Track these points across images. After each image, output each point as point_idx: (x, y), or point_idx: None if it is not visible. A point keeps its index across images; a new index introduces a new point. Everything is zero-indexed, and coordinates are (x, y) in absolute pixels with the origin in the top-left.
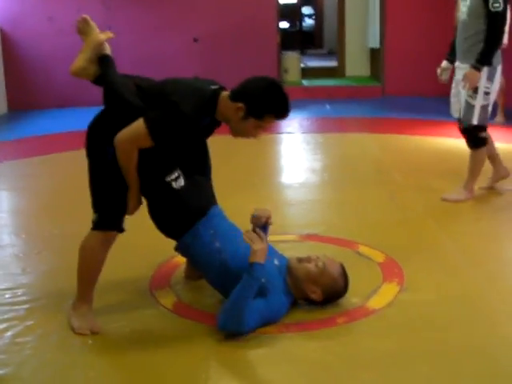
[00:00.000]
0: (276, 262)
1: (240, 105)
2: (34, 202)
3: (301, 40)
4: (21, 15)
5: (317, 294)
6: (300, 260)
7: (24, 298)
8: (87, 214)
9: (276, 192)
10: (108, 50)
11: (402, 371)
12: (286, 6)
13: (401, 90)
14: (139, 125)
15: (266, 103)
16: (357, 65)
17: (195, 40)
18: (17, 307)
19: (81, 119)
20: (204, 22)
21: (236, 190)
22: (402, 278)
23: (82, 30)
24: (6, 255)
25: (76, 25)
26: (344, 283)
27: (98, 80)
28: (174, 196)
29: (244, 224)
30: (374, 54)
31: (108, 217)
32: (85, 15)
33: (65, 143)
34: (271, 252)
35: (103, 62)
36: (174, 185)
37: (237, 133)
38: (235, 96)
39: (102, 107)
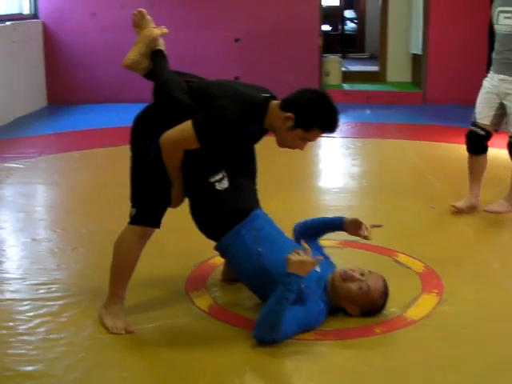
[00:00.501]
0: (318, 268)
1: (289, 114)
2: (71, 196)
3: (342, 43)
4: (64, 11)
5: (354, 311)
6: (344, 279)
7: (58, 293)
8: (124, 211)
9: (315, 196)
10: (162, 45)
11: (436, 383)
12: (328, 8)
13: (442, 98)
14: (187, 127)
15: (315, 116)
16: (398, 70)
17: (237, 40)
18: (51, 303)
19: (121, 115)
20: (246, 22)
21: (275, 193)
22: (442, 289)
23: (138, 22)
24: (42, 250)
25: (132, 17)
26: (383, 303)
27: (149, 74)
28: (217, 197)
29: (284, 228)
30: (416, 60)
31: (146, 212)
32: (141, 9)
33: (104, 139)
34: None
35: (156, 56)
36: (218, 186)
37: (282, 143)
38: (285, 105)
39: (150, 102)
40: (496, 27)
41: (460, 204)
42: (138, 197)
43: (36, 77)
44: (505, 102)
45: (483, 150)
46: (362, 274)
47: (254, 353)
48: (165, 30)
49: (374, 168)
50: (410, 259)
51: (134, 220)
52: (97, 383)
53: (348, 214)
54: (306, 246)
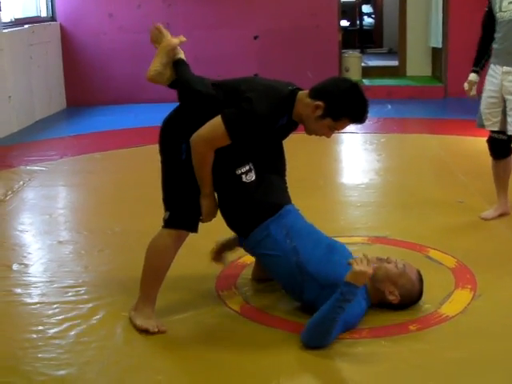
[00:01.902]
0: None
1: (319, 103)
2: (94, 198)
3: (360, 39)
4: (81, 12)
5: (394, 295)
6: (380, 260)
7: (87, 296)
8: (148, 211)
9: (341, 193)
10: (182, 54)
11: (477, 381)
12: (346, 4)
13: (464, 91)
14: (216, 123)
15: (345, 105)
16: (418, 64)
17: (255, 37)
18: (80, 306)
19: (139, 116)
20: (264, 20)
21: (301, 190)
22: (475, 285)
23: (155, 38)
24: (68, 252)
25: (150, 34)
26: (420, 288)
27: (173, 84)
28: (244, 189)
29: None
30: (436, 54)
31: (181, 215)
32: (158, 24)
33: (124, 139)
34: (349, 256)
35: (178, 64)
36: (244, 178)
37: (311, 131)
38: (315, 93)
39: (176, 105)
40: (499, 15)
41: (488, 214)
42: (171, 200)
43: (54, 79)
44: (507, 97)
45: (507, 153)
46: (396, 259)
47: (289, 353)
48: (183, 39)
49: (398, 163)
50: (442, 255)
51: (168, 223)
52: None
53: (376, 210)
54: (364, 255)
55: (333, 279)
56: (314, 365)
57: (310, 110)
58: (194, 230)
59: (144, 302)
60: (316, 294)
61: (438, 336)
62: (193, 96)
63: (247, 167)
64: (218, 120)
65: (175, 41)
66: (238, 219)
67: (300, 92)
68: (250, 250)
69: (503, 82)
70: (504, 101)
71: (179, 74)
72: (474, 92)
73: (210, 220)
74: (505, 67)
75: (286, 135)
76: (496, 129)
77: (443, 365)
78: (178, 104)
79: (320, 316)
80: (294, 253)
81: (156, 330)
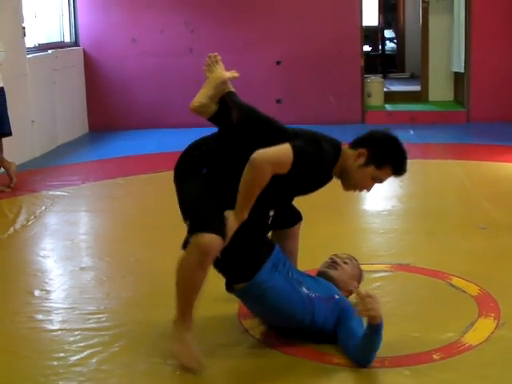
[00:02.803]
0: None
1: (363, 150)
2: (117, 224)
3: (382, 63)
4: (104, 37)
5: (356, 286)
6: (334, 263)
7: (108, 323)
8: (172, 238)
9: (364, 220)
10: (232, 88)
11: None
12: (368, 29)
13: (487, 116)
14: (284, 149)
15: (388, 152)
16: (440, 89)
17: (278, 63)
18: (102, 333)
19: (162, 141)
20: (287, 45)
21: (324, 217)
22: (499, 313)
23: (208, 67)
24: (90, 279)
25: (206, 60)
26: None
27: (213, 118)
28: (264, 230)
29: (335, 251)
30: (458, 79)
31: (203, 218)
32: (215, 54)
33: (147, 164)
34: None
35: (231, 96)
36: (269, 220)
37: (351, 182)
38: (357, 143)
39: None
40: None
41: None
42: (192, 208)
43: (77, 104)
44: None
45: None
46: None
47: (311, 382)
48: (236, 74)
49: (421, 189)
50: (465, 282)
51: (192, 229)
52: None
53: (399, 237)
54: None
55: (330, 292)
56: None
57: (351, 161)
58: (219, 232)
59: (182, 326)
60: (324, 312)
61: (463, 365)
62: (260, 126)
63: (273, 211)
64: (286, 147)
65: (228, 75)
66: (245, 261)
67: (342, 147)
68: (256, 291)
69: None
70: None
71: (237, 103)
72: None
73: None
74: None
75: (316, 189)
76: None
77: None
78: (199, 131)
79: (360, 350)
80: (299, 280)
81: (197, 367)
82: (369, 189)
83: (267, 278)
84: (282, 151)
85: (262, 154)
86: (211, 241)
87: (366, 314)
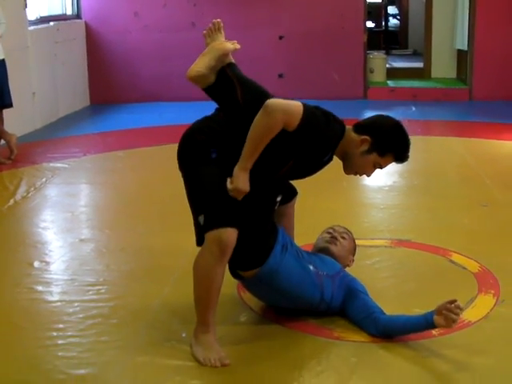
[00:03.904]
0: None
1: (366, 137)
2: (117, 196)
3: (385, 40)
4: (107, 10)
5: (353, 260)
6: (333, 239)
7: (107, 295)
8: (172, 211)
9: (365, 195)
10: (232, 59)
11: None
12: (371, 5)
13: (489, 94)
14: (297, 104)
15: (392, 140)
16: (443, 66)
17: (280, 38)
18: (101, 304)
19: (163, 114)
20: (290, 20)
21: (325, 192)
22: (498, 290)
23: (210, 33)
24: (89, 250)
25: (208, 27)
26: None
27: (208, 89)
28: (271, 216)
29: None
30: (461, 56)
31: (218, 212)
32: (220, 21)
33: (147, 138)
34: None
35: (231, 67)
36: (276, 206)
37: (353, 167)
38: (361, 129)
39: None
40: None
41: None
42: (205, 201)
43: (79, 77)
44: None
45: None
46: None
47: (311, 355)
48: (237, 46)
49: (423, 166)
50: (465, 259)
51: (207, 225)
52: None
53: (400, 213)
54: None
55: (335, 268)
56: (336, 365)
57: (354, 145)
58: (236, 224)
59: (202, 327)
60: (331, 289)
61: (462, 341)
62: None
63: (280, 196)
64: (298, 103)
65: (230, 47)
66: (256, 248)
67: (346, 127)
68: (269, 275)
69: None
70: None
71: (240, 78)
72: None
73: (241, 197)
74: None
75: (318, 170)
76: None
77: (470, 371)
78: (200, 105)
79: (399, 327)
80: (308, 259)
81: (218, 364)
82: (369, 174)
83: (279, 261)
84: (295, 104)
85: (275, 100)
86: (230, 235)
87: (451, 325)
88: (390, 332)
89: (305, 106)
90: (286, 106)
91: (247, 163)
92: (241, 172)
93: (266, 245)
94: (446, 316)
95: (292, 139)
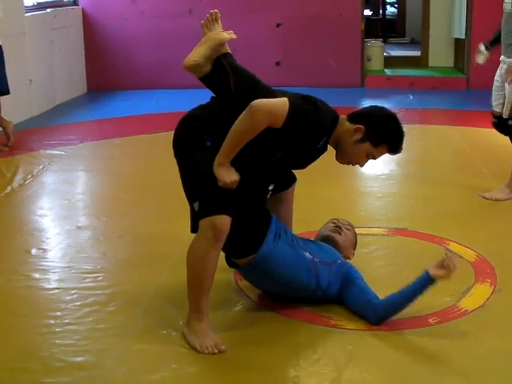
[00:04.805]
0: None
1: (359, 126)
2: (114, 184)
3: (383, 28)
4: None
5: (353, 253)
6: (337, 228)
7: (105, 283)
8: (169, 198)
9: (362, 184)
10: (228, 49)
11: (494, 376)
12: None
13: (486, 83)
14: (282, 102)
15: (386, 131)
16: (440, 55)
17: (278, 25)
18: (98, 292)
19: (160, 102)
20: (288, 7)
21: (322, 180)
22: (495, 279)
23: (208, 24)
24: (86, 238)
25: (206, 17)
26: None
27: (204, 78)
28: (263, 204)
29: (333, 215)
30: (459, 45)
31: (212, 199)
32: (217, 11)
33: (144, 125)
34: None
35: (226, 57)
36: (268, 195)
37: (345, 156)
38: (355, 118)
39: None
40: (504, 5)
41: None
42: (199, 188)
43: (76, 63)
44: (505, 85)
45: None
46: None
47: (307, 343)
48: (233, 36)
49: (420, 154)
50: (462, 248)
51: (201, 212)
52: (150, 375)
53: (396, 202)
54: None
55: (333, 256)
56: (333, 353)
57: (348, 134)
58: (230, 211)
59: (196, 315)
60: (328, 276)
61: (458, 330)
62: (252, 91)
63: (273, 185)
64: (284, 99)
65: (226, 36)
66: (250, 235)
67: (340, 116)
68: (263, 262)
69: (502, 68)
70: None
71: (234, 67)
72: (480, 61)
73: (235, 186)
74: (502, 56)
75: (312, 161)
76: (499, 110)
77: (464, 359)
78: (197, 92)
79: (396, 303)
80: (303, 246)
81: (215, 351)
82: (362, 164)
83: (272, 248)
84: (281, 104)
85: (260, 101)
86: (225, 221)
87: (450, 272)
88: (391, 311)
89: (291, 102)
90: (271, 107)
91: (225, 159)
92: (219, 168)
93: (258, 232)
94: (441, 264)
95: (281, 132)
